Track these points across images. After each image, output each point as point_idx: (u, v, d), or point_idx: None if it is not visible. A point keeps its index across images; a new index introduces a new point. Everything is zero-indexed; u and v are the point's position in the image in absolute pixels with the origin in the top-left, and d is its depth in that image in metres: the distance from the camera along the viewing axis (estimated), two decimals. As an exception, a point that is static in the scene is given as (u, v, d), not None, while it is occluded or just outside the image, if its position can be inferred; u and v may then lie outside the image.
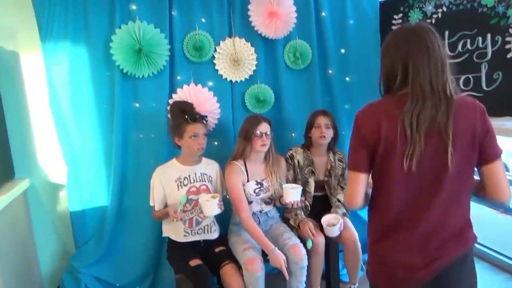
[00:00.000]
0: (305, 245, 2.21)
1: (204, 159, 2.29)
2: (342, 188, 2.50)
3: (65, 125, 2.28)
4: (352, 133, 1.31)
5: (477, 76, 2.41)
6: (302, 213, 2.37)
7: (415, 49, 1.22)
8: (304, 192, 2.38)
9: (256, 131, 2.17)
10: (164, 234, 2.25)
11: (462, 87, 2.49)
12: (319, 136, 2.37)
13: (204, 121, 2.19)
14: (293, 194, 2.09)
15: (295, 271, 2.12)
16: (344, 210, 2.41)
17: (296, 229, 2.35)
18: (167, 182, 2.15)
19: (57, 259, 2.48)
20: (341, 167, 2.50)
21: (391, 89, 1.29)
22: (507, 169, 4.01)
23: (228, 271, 2.06)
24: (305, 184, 2.41)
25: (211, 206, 2.01)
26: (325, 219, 2.26)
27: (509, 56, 2.23)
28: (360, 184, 1.28)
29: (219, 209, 2.03)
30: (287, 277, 2.03)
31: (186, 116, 2.11)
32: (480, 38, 2.37)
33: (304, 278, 2.17)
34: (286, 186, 2.15)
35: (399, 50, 1.24)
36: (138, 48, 2.24)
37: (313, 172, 2.44)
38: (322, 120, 2.38)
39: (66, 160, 2.32)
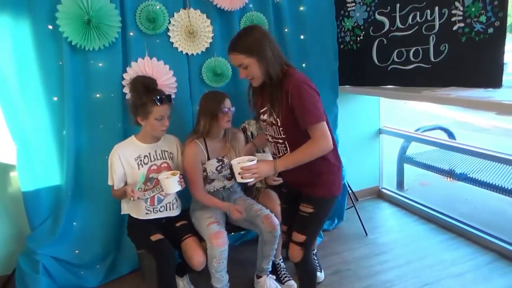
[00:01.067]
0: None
1: (163, 135, 2.25)
2: None
3: (12, 102, 2.16)
4: (312, 94, 1.63)
5: (425, 48, 2.51)
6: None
7: (274, 41, 1.70)
8: None
9: (223, 107, 2.13)
10: (123, 212, 2.21)
11: (412, 58, 2.59)
12: None
13: (170, 102, 2.11)
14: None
15: (269, 240, 2.19)
16: None
17: (262, 189, 2.45)
18: (127, 161, 2.10)
19: (11, 242, 2.41)
20: None
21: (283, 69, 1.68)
22: (453, 137, 4.27)
23: (189, 244, 2.07)
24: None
25: (172, 183, 1.99)
26: None
27: (454, 28, 2.33)
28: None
29: (180, 186, 2.02)
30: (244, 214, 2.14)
31: (154, 98, 2.01)
32: (428, 11, 2.45)
33: (276, 246, 2.25)
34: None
35: (272, 43, 1.67)
36: (87, 19, 2.13)
37: None
38: None
39: (15, 139, 2.20)
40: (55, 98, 2.25)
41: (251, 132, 2.47)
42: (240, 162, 1.68)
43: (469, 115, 6.90)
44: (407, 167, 3.81)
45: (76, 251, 2.40)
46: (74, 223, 2.39)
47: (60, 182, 2.35)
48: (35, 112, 2.23)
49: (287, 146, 1.72)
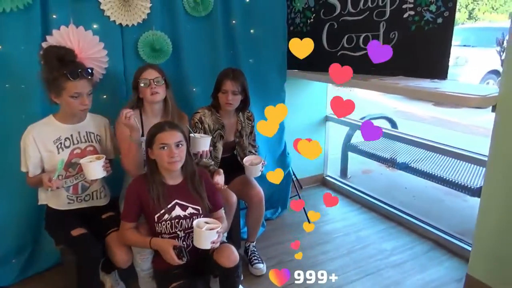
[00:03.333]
0: None
1: (89, 115, 1.97)
2: (253, 146, 2.46)
3: None
4: None
5: (375, 35, 2.44)
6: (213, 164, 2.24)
7: None
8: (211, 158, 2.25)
9: (141, 78, 1.95)
10: (40, 203, 1.94)
11: (361, 45, 2.52)
12: (225, 102, 2.21)
13: (89, 77, 1.84)
14: (202, 143, 2.00)
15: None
16: None
17: None
18: (44, 144, 1.81)
19: None
20: (250, 125, 2.42)
21: None
22: (395, 127, 4.36)
23: (114, 239, 1.83)
24: (212, 150, 2.25)
25: (95, 168, 1.76)
26: (247, 159, 2.19)
27: (405, 16, 2.27)
28: None
29: (105, 171, 1.79)
30: None
31: (65, 72, 1.73)
32: (380, -4, 2.38)
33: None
34: (194, 135, 2.00)
35: None
36: (-6, -27, 1.80)
37: (222, 136, 2.30)
38: (229, 87, 2.18)
39: None
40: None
41: (208, 125, 2.23)
42: (209, 224, 1.66)
43: (409, 105, 7.17)
44: (351, 155, 3.82)
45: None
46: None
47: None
48: None
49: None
